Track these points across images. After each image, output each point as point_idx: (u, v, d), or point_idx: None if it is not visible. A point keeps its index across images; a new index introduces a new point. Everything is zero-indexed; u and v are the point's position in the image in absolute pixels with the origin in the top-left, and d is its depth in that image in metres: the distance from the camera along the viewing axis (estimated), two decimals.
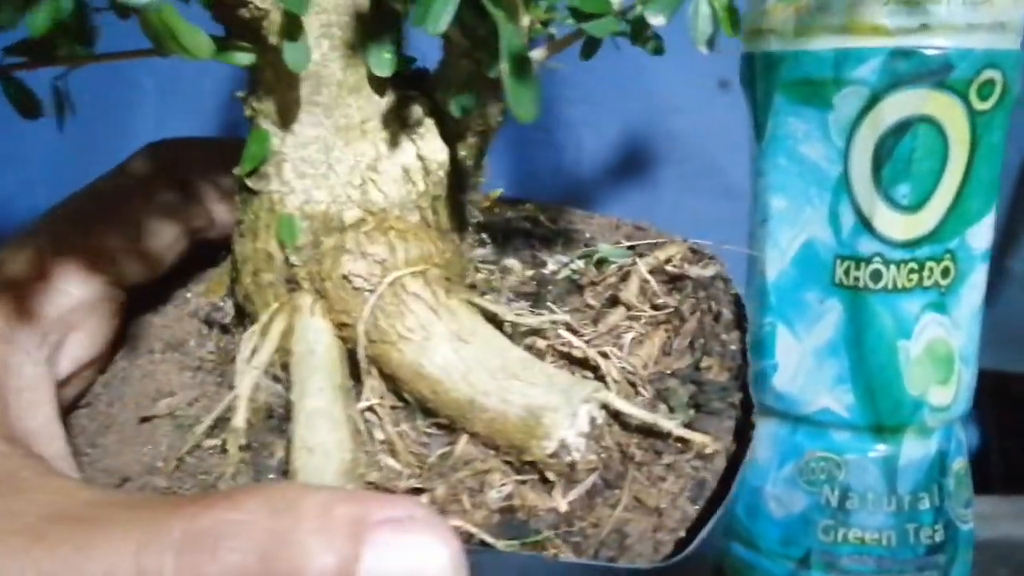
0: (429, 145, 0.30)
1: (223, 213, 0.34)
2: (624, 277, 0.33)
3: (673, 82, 0.59)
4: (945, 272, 0.40)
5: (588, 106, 0.62)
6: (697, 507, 0.26)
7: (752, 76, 0.41)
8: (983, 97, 0.38)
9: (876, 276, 0.39)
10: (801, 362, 0.42)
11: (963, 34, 0.37)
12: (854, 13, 0.37)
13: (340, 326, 0.29)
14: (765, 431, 0.43)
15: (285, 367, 0.29)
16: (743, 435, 0.28)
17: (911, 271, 0.40)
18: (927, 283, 0.40)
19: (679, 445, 0.28)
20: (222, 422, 0.28)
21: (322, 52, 0.28)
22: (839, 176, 0.39)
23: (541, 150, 0.63)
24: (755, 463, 0.44)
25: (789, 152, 0.40)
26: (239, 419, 0.28)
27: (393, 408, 0.29)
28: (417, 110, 0.29)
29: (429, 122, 0.30)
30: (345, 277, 0.28)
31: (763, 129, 0.41)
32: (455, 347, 0.28)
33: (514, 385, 0.28)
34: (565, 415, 0.27)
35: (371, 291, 0.28)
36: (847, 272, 0.40)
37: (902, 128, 0.38)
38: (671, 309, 0.32)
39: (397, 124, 0.29)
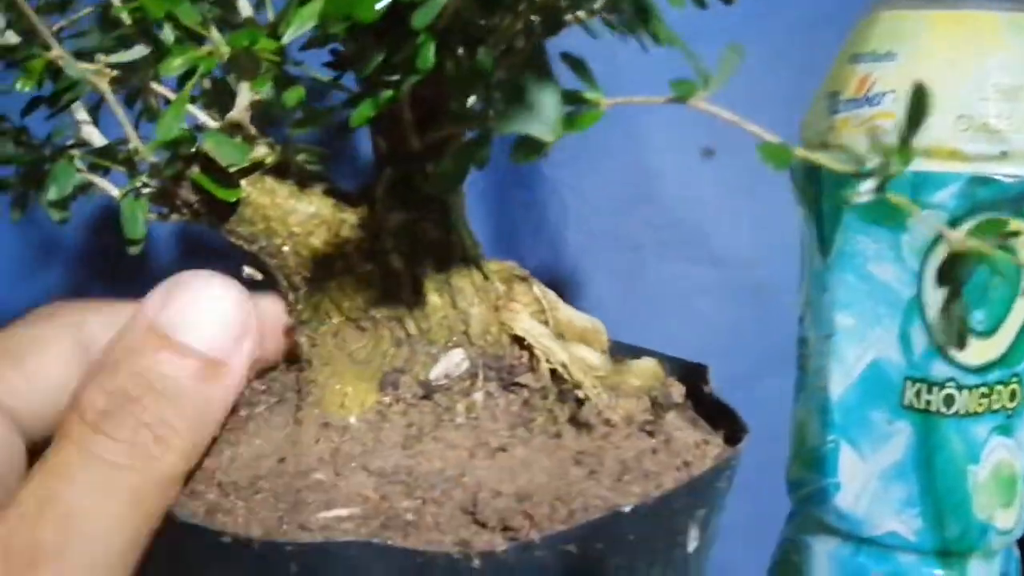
0: None
1: None
2: None
3: (657, 148, 0.57)
4: (1012, 395, 0.38)
5: (572, 168, 0.59)
6: None
7: (817, 189, 0.38)
8: None
9: (949, 401, 0.37)
10: (866, 484, 0.39)
11: None
12: (932, 137, 0.34)
13: None
14: (824, 549, 0.40)
15: None
16: None
17: (982, 395, 0.37)
18: (995, 407, 0.37)
19: None
20: None
21: None
22: (912, 298, 0.36)
23: (523, 211, 0.60)
24: None
25: (858, 270, 0.37)
26: None
27: None
28: None
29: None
30: None
31: (829, 244, 0.38)
32: None
33: None
34: None
35: None
36: (918, 395, 0.37)
37: (985, 251, 0.34)
38: None
39: None
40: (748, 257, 0.56)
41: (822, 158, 0.23)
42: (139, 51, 0.28)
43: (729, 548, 0.35)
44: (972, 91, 0.34)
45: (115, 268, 0.59)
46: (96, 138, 0.32)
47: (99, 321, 0.29)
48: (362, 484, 0.28)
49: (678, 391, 0.33)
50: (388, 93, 0.28)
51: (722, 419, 0.32)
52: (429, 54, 0.25)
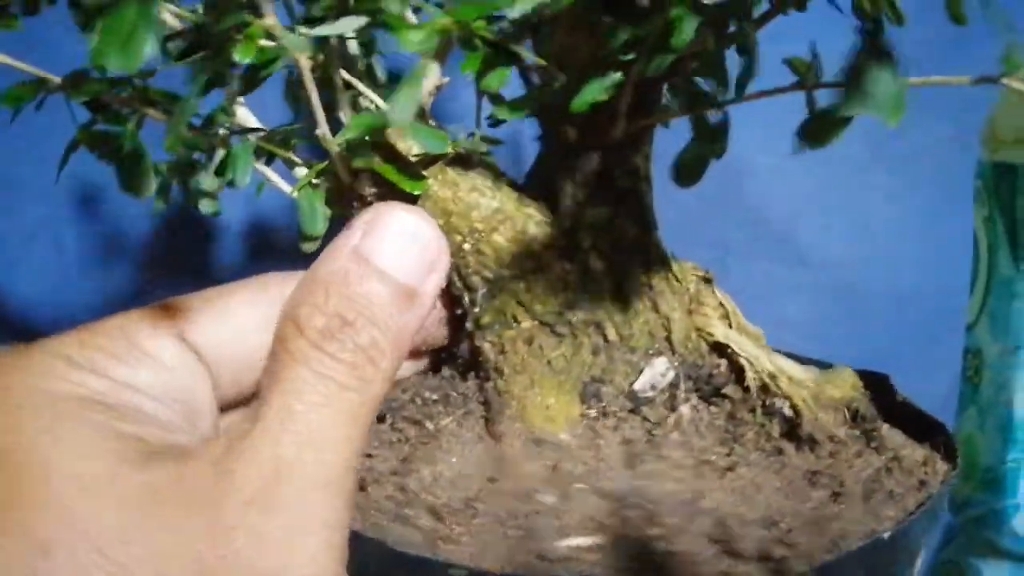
0: None
1: None
2: None
3: (746, 147, 0.55)
4: None
5: (662, 168, 0.56)
6: None
7: (1012, 189, 0.36)
8: None
9: None
10: None
11: None
12: None
13: None
14: (995, 574, 0.39)
15: None
16: None
17: None
18: None
19: None
20: None
21: None
22: None
23: None
24: None
25: None
26: None
27: None
28: None
29: None
30: None
31: (1022, 249, 0.36)
32: None
33: None
34: None
35: None
36: None
37: None
38: None
39: None
40: (837, 258, 0.55)
41: None
42: (352, 23, 0.24)
43: None
44: None
45: (180, 269, 0.56)
46: (250, 120, 0.28)
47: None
48: (596, 508, 0.25)
49: (865, 402, 0.31)
50: (616, 77, 0.25)
51: (916, 430, 0.30)
52: (688, 30, 0.23)
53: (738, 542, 0.24)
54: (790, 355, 0.33)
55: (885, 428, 0.30)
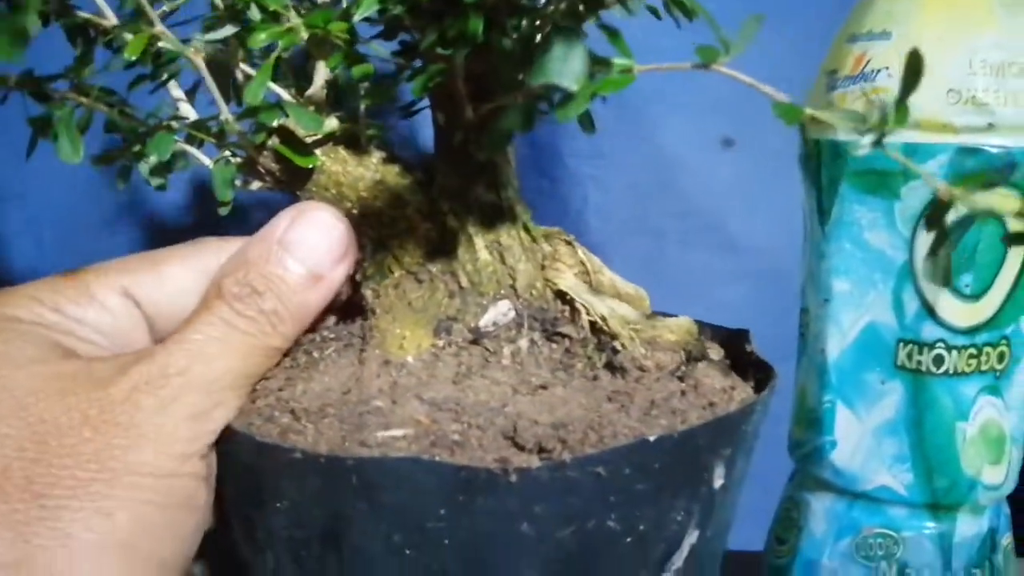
0: None
1: None
2: None
3: (678, 139, 0.59)
4: (1000, 357, 0.39)
5: (595, 160, 0.61)
6: None
7: (817, 161, 0.40)
8: None
9: (938, 361, 0.38)
10: (860, 440, 0.40)
11: None
12: (924, 110, 0.36)
13: None
14: (820, 505, 0.42)
15: None
16: None
17: (971, 356, 0.39)
18: (984, 367, 0.39)
19: None
20: None
21: None
22: (904, 264, 0.38)
23: (547, 201, 0.63)
24: (811, 536, 0.42)
25: (854, 238, 0.39)
26: None
27: None
28: None
29: None
30: None
31: (827, 214, 0.40)
32: None
33: None
34: None
35: None
36: (909, 356, 0.39)
37: (966, 221, 0.36)
38: None
39: None
40: (766, 245, 0.58)
41: (829, 116, 0.25)
42: (229, 30, 0.30)
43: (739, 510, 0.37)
44: (962, 67, 0.36)
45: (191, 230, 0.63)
46: (191, 113, 0.34)
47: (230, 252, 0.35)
48: (416, 410, 0.30)
49: (716, 351, 0.35)
50: (439, 65, 0.30)
51: (757, 372, 0.34)
52: (478, 28, 0.28)
53: (522, 437, 0.28)
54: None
55: (702, 365, 0.34)
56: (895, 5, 0.38)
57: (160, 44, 0.30)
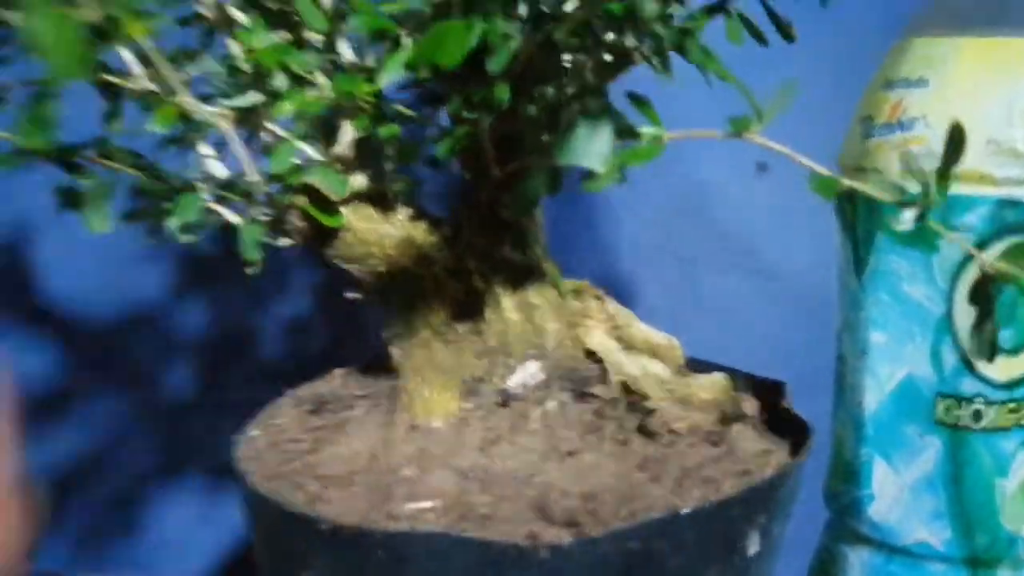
0: None
1: None
2: None
3: (709, 163, 0.58)
4: None
5: (627, 187, 0.60)
6: None
7: (853, 212, 0.39)
8: None
9: (977, 416, 0.37)
10: (899, 495, 0.39)
11: None
12: (962, 161, 0.35)
13: None
14: (858, 558, 0.41)
15: None
16: None
17: (1010, 411, 0.38)
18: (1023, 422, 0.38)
19: None
20: None
21: None
22: (942, 316, 0.37)
23: (580, 229, 0.62)
24: None
25: (891, 289, 0.38)
26: None
27: None
28: None
29: None
30: None
31: (864, 264, 0.39)
32: None
33: None
34: None
35: None
36: (947, 410, 0.38)
37: (1015, 273, 0.35)
38: None
39: None
40: (800, 270, 0.57)
41: (867, 187, 0.25)
42: (256, 96, 0.30)
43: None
44: (1001, 116, 0.35)
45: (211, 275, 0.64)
46: (219, 172, 0.34)
47: None
48: (444, 480, 0.30)
49: (750, 405, 0.35)
50: (465, 128, 0.30)
51: (793, 432, 0.34)
52: (504, 96, 0.28)
53: (552, 509, 0.28)
54: (718, 366, 0.37)
55: (739, 427, 0.33)
56: (932, 50, 0.37)
57: (187, 110, 0.29)
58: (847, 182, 0.25)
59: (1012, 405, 0.37)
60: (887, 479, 0.40)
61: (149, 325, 0.75)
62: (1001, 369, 0.37)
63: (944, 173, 0.24)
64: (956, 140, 0.23)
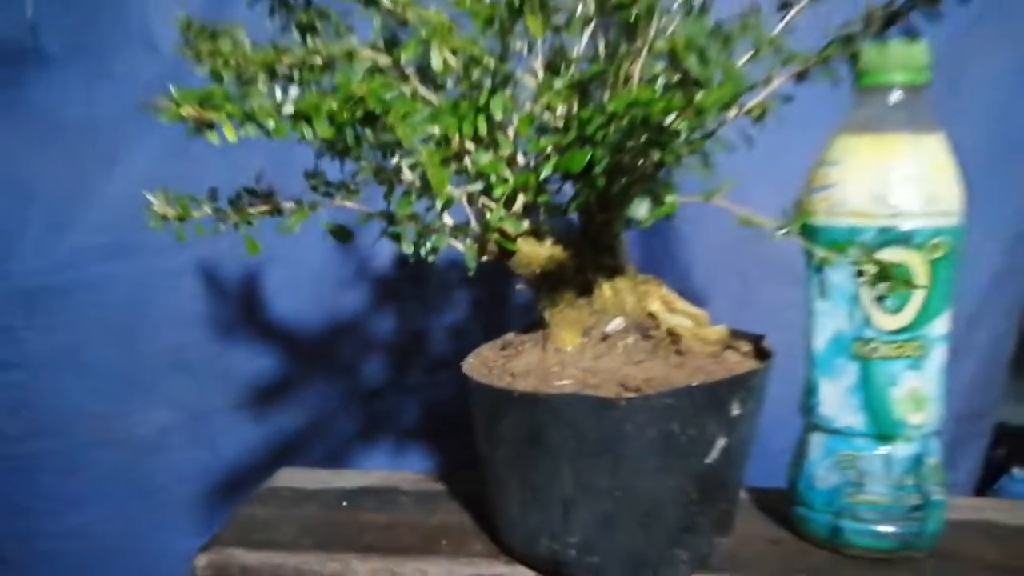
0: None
1: None
2: None
3: (761, 204, 0.80)
4: (917, 348, 0.65)
5: (693, 221, 0.87)
6: None
7: (809, 235, 0.66)
8: (934, 251, 0.63)
9: (876, 351, 0.64)
10: (835, 398, 0.67)
11: (920, 218, 0.62)
12: (857, 206, 0.63)
13: None
14: (815, 439, 0.68)
15: None
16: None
17: (896, 347, 0.64)
18: (906, 355, 0.64)
19: None
20: None
21: None
22: (853, 293, 0.64)
23: (659, 257, 0.87)
24: (809, 459, 0.69)
25: (826, 279, 0.66)
26: None
27: None
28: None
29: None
30: None
31: (812, 266, 0.66)
32: None
33: None
34: None
35: None
36: (860, 348, 0.65)
37: (888, 268, 0.63)
38: None
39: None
40: None
41: (765, 222, 0.53)
42: (476, 185, 0.59)
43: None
44: (880, 179, 0.62)
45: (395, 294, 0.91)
46: (450, 220, 0.64)
47: None
48: (573, 374, 0.59)
49: (746, 344, 0.63)
50: (582, 197, 0.59)
51: (764, 356, 0.62)
52: (601, 182, 0.57)
53: (628, 384, 0.57)
54: (744, 333, 0.65)
55: (728, 351, 0.62)
56: (845, 142, 0.65)
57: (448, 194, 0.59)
58: (759, 221, 0.53)
59: (895, 344, 0.64)
60: (828, 390, 0.67)
61: (350, 332, 1.00)
62: (889, 323, 0.64)
63: (799, 207, 0.52)
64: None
